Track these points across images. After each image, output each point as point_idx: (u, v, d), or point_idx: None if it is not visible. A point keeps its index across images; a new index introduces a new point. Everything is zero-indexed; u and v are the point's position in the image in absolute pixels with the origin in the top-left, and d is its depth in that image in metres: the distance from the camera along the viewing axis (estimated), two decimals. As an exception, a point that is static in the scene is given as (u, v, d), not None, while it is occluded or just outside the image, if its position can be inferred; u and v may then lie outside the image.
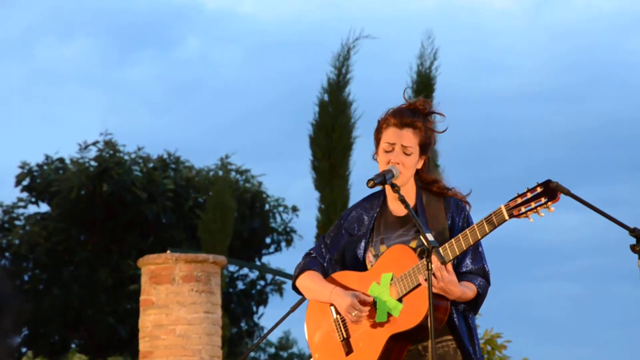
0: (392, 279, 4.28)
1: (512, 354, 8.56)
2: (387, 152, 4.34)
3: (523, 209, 4.03)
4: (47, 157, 21.87)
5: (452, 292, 4.15)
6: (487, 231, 4.09)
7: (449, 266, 4.14)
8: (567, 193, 4.06)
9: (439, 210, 4.36)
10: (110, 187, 20.56)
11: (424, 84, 15.47)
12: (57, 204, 21.10)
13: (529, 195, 4.03)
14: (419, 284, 4.16)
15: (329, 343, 4.46)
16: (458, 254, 4.15)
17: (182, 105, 35.63)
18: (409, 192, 4.40)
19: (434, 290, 4.11)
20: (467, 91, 31.62)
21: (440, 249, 4.11)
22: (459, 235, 4.15)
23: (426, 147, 4.39)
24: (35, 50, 37.20)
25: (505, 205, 4.06)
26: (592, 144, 33.01)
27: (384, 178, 4.26)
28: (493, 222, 4.07)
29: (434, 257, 4.06)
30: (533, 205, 4.02)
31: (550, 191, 4.01)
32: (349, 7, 33.30)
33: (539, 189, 4.02)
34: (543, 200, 4.00)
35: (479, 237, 4.11)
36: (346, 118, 15.56)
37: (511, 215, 4.05)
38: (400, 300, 4.26)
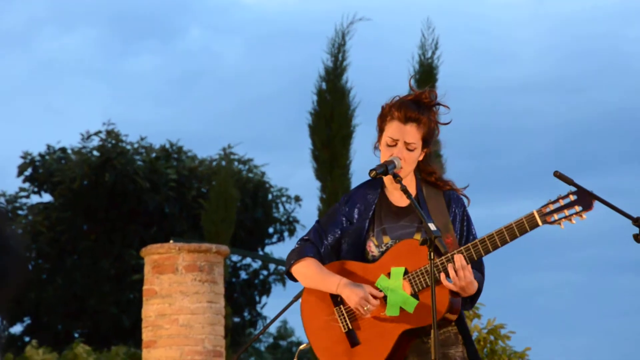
0: (405, 274, 4.24)
1: (514, 343, 8.57)
2: (389, 146, 4.31)
3: (556, 216, 4.01)
4: (49, 147, 21.87)
5: (470, 291, 4.15)
6: (518, 235, 4.07)
7: (469, 266, 4.12)
8: (571, 182, 4.06)
9: (441, 204, 4.34)
10: (113, 177, 20.57)
11: (426, 73, 15.43)
12: (60, 194, 21.11)
13: (562, 202, 4.00)
14: (439, 282, 4.13)
15: (330, 333, 4.38)
16: (484, 255, 4.13)
17: (184, 95, 35.62)
18: (409, 184, 4.38)
19: (454, 289, 4.10)
20: (470, 80, 31.58)
21: (463, 249, 4.10)
22: (485, 237, 4.11)
23: (429, 140, 4.35)
24: (37, 41, 37.19)
25: (538, 211, 4.03)
26: (595, 133, 32.98)
27: (386, 169, 4.24)
28: (524, 227, 4.04)
29: (456, 257, 4.05)
30: (567, 213, 3.99)
31: (584, 199, 3.98)
32: (351, -3, 33.24)
33: (571, 197, 4.00)
34: (577, 209, 3.98)
35: (508, 241, 4.08)
36: (345, 106, 15.52)
37: (544, 222, 4.02)
38: (414, 295, 4.22)
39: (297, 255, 4.41)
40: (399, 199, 4.35)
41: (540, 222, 4.01)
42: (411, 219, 4.31)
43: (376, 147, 4.40)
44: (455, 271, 4.06)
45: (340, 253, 4.40)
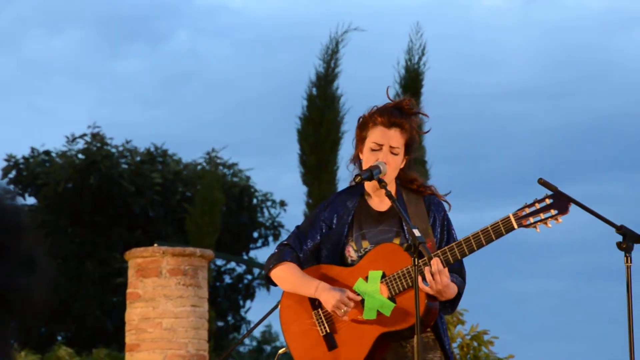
0: (382, 277, 4.26)
1: (498, 350, 8.58)
2: (374, 150, 4.33)
3: (532, 220, 4.03)
4: (33, 149, 21.81)
5: (448, 294, 4.16)
6: (494, 238, 4.09)
7: (446, 270, 4.13)
8: (555, 190, 4.07)
9: (420, 208, 4.36)
10: (98, 180, 20.52)
11: (412, 79, 15.45)
12: (44, 197, 21.06)
13: (538, 206, 4.02)
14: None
15: (308, 336, 4.41)
16: (460, 258, 4.15)
17: (171, 98, 35.60)
18: (390, 189, 4.40)
19: (430, 292, 4.12)
20: (456, 87, 31.64)
21: (440, 252, 4.12)
22: (462, 240, 4.14)
23: (411, 147, 4.39)
24: (23, 42, 37.10)
25: (513, 215, 4.06)
26: (581, 140, 33.10)
27: (371, 174, 4.26)
28: (500, 230, 4.07)
29: (433, 261, 4.07)
30: (542, 216, 4.02)
31: (560, 203, 4.00)
32: (338, 2, 33.26)
33: (547, 201, 4.02)
34: (553, 212, 4.01)
35: (484, 244, 4.10)
36: (334, 112, 15.54)
37: (520, 225, 4.04)
38: (391, 299, 4.24)
39: (276, 259, 4.44)
40: (378, 204, 4.38)
41: (515, 225, 4.04)
42: (390, 223, 4.33)
43: (352, 161, 4.41)
44: (432, 274, 4.08)
45: (320, 258, 4.42)
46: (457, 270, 4.30)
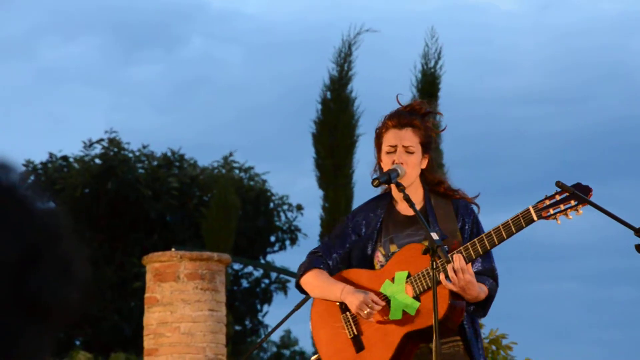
0: (408, 277, 4.28)
1: (516, 354, 8.57)
2: (389, 153, 4.35)
3: (552, 211, 4.01)
4: (51, 155, 21.90)
5: (470, 292, 4.15)
6: (514, 231, 4.08)
7: (470, 267, 4.13)
8: (572, 192, 4.08)
9: (449, 212, 4.36)
10: (115, 185, 20.58)
11: (428, 83, 15.46)
12: (62, 202, 21.13)
13: (558, 197, 4.01)
14: (439, 282, 4.15)
15: (337, 340, 4.45)
16: (482, 253, 4.15)
17: (186, 103, 35.66)
18: (416, 193, 4.40)
19: (454, 289, 4.11)
20: (471, 90, 31.61)
21: (462, 248, 4.12)
22: (483, 235, 4.14)
23: (427, 145, 4.40)
24: (39, 49, 37.24)
25: (533, 207, 4.05)
26: (595, 143, 33.02)
27: (388, 177, 4.27)
28: (520, 223, 4.06)
29: (455, 257, 4.07)
30: (562, 207, 4.00)
31: (580, 193, 3.99)
32: (353, 7, 33.29)
33: (568, 192, 4.01)
34: (573, 202, 3.99)
35: (505, 238, 4.09)
36: (349, 115, 15.54)
37: (539, 217, 4.03)
38: (416, 298, 4.25)
39: (305, 267, 4.50)
40: (406, 209, 4.38)
41: (535, 217, 4.03)
42: (417, 227, 4.34)
43: (375, 170, 4.44)
44: (455, 271, 4.08)
45: (351, 266, 4.46)
46: (488, 272, 4.29)
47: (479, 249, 4.13)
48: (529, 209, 4.05)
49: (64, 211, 1.19)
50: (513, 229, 4.06)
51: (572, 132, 32.75)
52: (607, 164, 31.88)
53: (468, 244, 4.14)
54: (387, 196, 4.49)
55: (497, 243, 4.11)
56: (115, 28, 36.26)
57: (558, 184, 4.11)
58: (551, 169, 29.44)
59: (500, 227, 4.09)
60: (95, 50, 35.74)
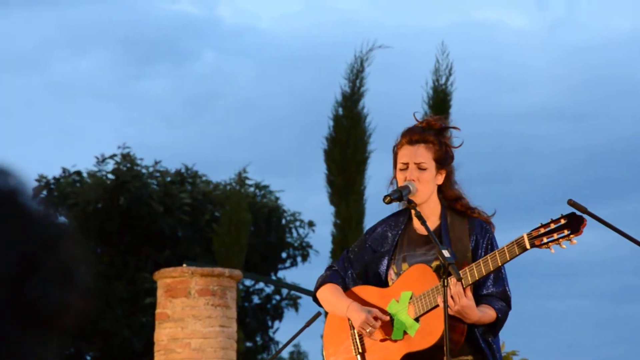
0: (411, 298, 4.30)
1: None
2: (402, 170, 4.37)
3: (545, 239, 4.03)
4: (64, 170, 21.96)
5: (469, 316, 4.15)
6: (508, 258, 4.10)
7: (468, 291, 4.14)
8: (584, 211, 4.08)
9: (463, 231, 4.35)
10: (127, 201, 20.62)
11: (440, 99, 15.46)
12: (74, 217, 21.17)
13: (553, 226, 4.03)
14: (437, 305, 4.17)
15: (344, 356, 4.48)
16: (477, 278, 4.15)
17: (196, 118, 35.74)
18: (434, 210, 4.40)
19: (450, 312, 4.12)
20: (481, 107, 31.61)
21: (460, 271, 4.13)
22: (480, 260, 4.15)
23: (442, 161, 4.39)
24: (50, 63, 37.36)
25: (527, 235, 4.06)
26: (605, 161, 32.95)
27: (400, 194, 4.28)
28: (514, 250, 4.08)
29: (452, 281, 4.08)
30: (556, 236, 4.01)
31: (574, 223, 4.01)
32: (364, 22, 33.35)
33: (562, 221, 4.02)
34: (566, 232, 4.00)
35: (499, 264, 4.11)
36: (361, 132, 15.55)
37: (533, 245, 4.04)
38: (417, 319, 4.27)
39: (320, 282, 4.56)
40: (422, 227, 4.36)
41: (528, 246, 4.04)
42: (432, 247, 4.33)
43: (391, 184, 4.46)
44: (451, 295, 4.10)
45: (368, 281, 4.48)
46: (500, 295, 4.29)
47: (475, 273, 4.14)
48: (523, 237, 4.07)
49: (58, 213, 1.19)
50: (507, 255, 4.09)
51: (585, 149, 32.72)
52: (620, 182, 31.81)
53: (466, 268, 4.15)
54: (406, 212, 4.50)
55: (492, 268, 4.12)
56: (126, 42, 36.39)
57: (570, 202, 4.12)
58: (561, 186, 29.41)
59: (496, 253, 4.12)
60: (106, 65, 35.86)
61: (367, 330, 4.30)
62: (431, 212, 4.36)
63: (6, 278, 1.06)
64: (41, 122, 35.75)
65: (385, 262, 4.43)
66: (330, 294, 4.47)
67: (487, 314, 4.21)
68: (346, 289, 4.48)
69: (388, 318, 4.32)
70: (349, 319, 4.43)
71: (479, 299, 4.23)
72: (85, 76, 35.02)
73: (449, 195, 4.42)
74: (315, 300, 4.59)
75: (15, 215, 1.12)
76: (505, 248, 4.09)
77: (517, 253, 4.07)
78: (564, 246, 4.03)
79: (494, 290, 4.26)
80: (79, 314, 1.12)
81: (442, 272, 4.03)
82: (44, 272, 1.09)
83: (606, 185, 31.47)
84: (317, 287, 4.54)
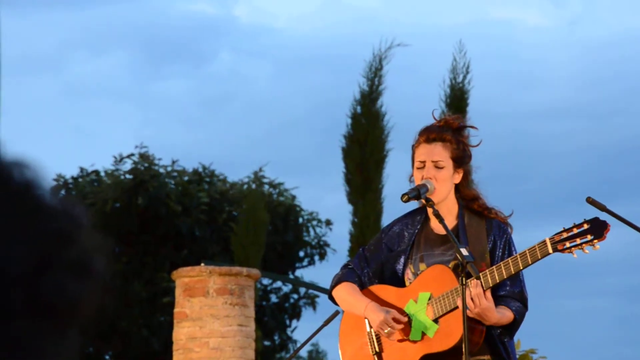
0: (429, 299, 4.28)
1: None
2: (419, 169, 4.35)
3: (568, 244, 4.01)
4: (82, 169, 22.01)
5: (489, 318, 4.14)
6: (530, 262, 4.08)
7: (488, 293, 4.13)
8: (603, 209, 4.07)
9: (481, 232, 4.34)
10: (145, 200, 20.66)
11: (457, 97, 15.43)
12: (92, 216, 21.19)
13: (575, 230, 4.00)
14: (456, 307, 4.15)
15: (361, 356, 4.47)
16: (498, 281, 4.14)
17: (213, 119, 35.79)
18: (451, 209, 4.39)
19: (470, 314, 4.10)
20: (499, 105, 31.54)
21: (481, 274, 4.12)
22: (501, 263, 4.13)
23: (460, 160, 4.37)
24: (68, 64, 37.48)
25: (550, 239, 4.04)
26: (624, 158, 32.81)
27: (418, 192, 4.26)
28: (536, 254, 4.06)
29: (472, 283, 4.07)
30: (579, 241, 3.99)
31: (597, 228, 3.98)
32: (381, 21, 33.33)
33: (585, 225, 4.00)
34: (589, 237, 3.98)
35: (521, 267, 4.09)
36: (379, 130, 15.53)
37: (555, 250, 4.03)
38: (436, 320, 4.26)
39: (336, 280, 4.54)
40: (439, 227, 4.35)
41: (551, 250, 4.02)
42: (449, 246, 4.32)
43: (411, 180, 4.45)
44: (471, 297, 4.08)
45: (383, 280, 4.47)
46: (517, 296, 4.28)
47: (496, 277, 4.13)
48: (545, 241, 4.05)
49: (76, 204, 1.18)
50: (529, 259, 4.07)
51: (604, 147, 32.61)
52: (637, 179, 31.69)
53: (487, 271, 4.14)
54: (422, 211, 4.49)
55: (513, 272, 4.11)
56: (143, 43, 36.47)
57: (589, 200, 4.10)
58: (580, 184, 29.32)
59: (518, 256, 4.10)
60: (124, 65, 35.95)
61: (386, 331, 4.29)
62: (448, 211, 4.34)
63: (21, 274, 1.04)
64: (60, 122, 35.86)
65: (402, 260, 4.41)
66: (347, 293, 4.45)
67: (505, 315, 4.20)
68: (362, 287, 4.47)
69: (407, 319, 4.31)
70: (366, 319, 4.41)
71: (496, 300, 4.21)
72: (104, 77, 35.12)
73: (466, 195, 4.40)
74: (331, 298, 4.58)
75: (30, 208, 1.09)
76: (527, 252, 4.07)
77: (539, 257, 4.05)
78: (587, 251, 4.00)
79: (511, 291, 4.25)
80: (96, 306, 1.12)
81: (460, 270, 4.01)
82: (60, 266, 1.08)
83: (624, 183, 31.35)
84: (333, 286, 4.53)
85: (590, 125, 33.78)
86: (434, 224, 4.40)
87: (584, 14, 37.74)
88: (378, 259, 4.48)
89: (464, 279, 4.02)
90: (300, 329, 22.29)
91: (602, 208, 4.07)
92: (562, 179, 31.83)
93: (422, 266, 4.37)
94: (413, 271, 4.38)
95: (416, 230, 4.44)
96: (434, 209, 4.21)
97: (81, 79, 35.85)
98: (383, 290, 4.43)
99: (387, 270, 4.45)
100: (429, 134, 4.35)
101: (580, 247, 3.99)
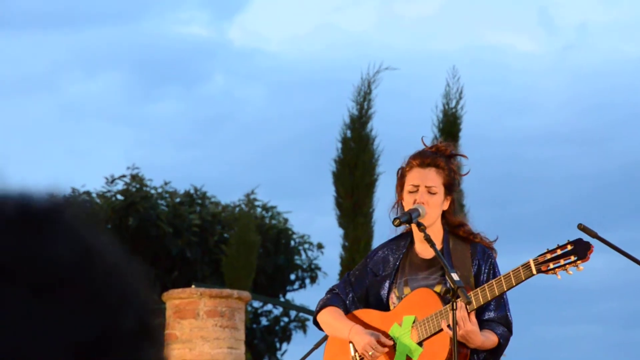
0: (414, 322, 4.29)
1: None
2: (411, 192, 4.36)
3: (552, 265, 4.03)
4: (73, 190, 22.00)
5: (473, 341, 4.16)
6: (514, 283, 4.10)
7: (472, 316, 4.15)
8: (594, 235, 4.08)
9: (465, 256, 4.36)
10: (136, 221, 20.64)
11: (450, 122, 15.47)
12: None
13: (559, 252, 4.02)
14: (441, 329, 4.17)
15: None
16: (482, 303, 4.16)
17: (207, 140, 35.79)
18: (436, 235, 4.41)
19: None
20: (490, 131, 31.61)
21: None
22: (485, 285, 4.15)
23: (450, 187, 4.40)
24: (61, 85, 37.50)
25: (534, 260, 4.06)
26: (616, 186, 32.88)
27: (410, 217, 4.28)
28: (520, 276, 4.08)
29: (458, 306, 4.08)
30: (562, 262, 4.01)
31: (581, 249, 4.00)
32: (373, 45, 33.40)
33: (569, 247, 4.01)
34: (573, 258, 4.00)
35: (505, 289, 4.11)
36: (369, 154, 15.56)
37: (539, 271, 4.04)
38: (420, 343, 4.27)
39: (321, 304, 4.57)
40: (424, 251, 4.39)
41: (534, 271, 4.04)
42: (434, 271, 4.35)
43: (394, 207, 4.45)
44: (456, 320, 4.10)
45: (368, 304, 4.47)
46: (501, 320, 4.29)
47: (480, 299, 4.15)
48: (529, 263, 4.07)
49: (119, 243, 0.92)
50: (513, 281, 4.09)
51: (596, 174, 32.67)
52: (629, 207, 31.75)
53: (471, 292, 4.15)
54: (407, 236, 4.50)
55: (497, 293, 4.13)
56: (137, 65, 36.53)
57: (580, 227, 4.12)
58: (571, 211, 29.34)
59: (502, 278, 4.12)
60: (117, 86, 35.98)
61: (370, 354, 4.29)
62: (434, 236, 4.36)
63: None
64: (51, 143, 35.84)
65: (386, 285, 4.43)
66: (332, 317, 4.47)
67: (489, 339, 4.22)
68: (347, 312, 4.48)
69: (392, 342, 4.31)
70: (350, 342, 4.41)
71: (481, 324, 4.23)
72: (96, 98, 35.11)
73: (452, 222, 4.43)
74: (316, 323, 4.59)
75: (93, 273, 0.85)
76: (512, 273, 4.09)
77: (523, 278, 4.06)
78: (571, 272, 4.02)
79: (495, 316, 4.27)
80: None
81: (451, 295, 4.02)
82: (121, 340, 0.88)
83: (616, 210, 31.41)
84: (318, 310, 4.55)
85: (583, 152, 33.88)
86: (419, 248, 4.43)
87: (576, 41, 37.92)
88: (363, 284, 4.49)
89: (455, 303, 4.03)
90: (291, 353, 22.25)
91: (593, 235, 4.09)
92: (554, 204, 31.88)
93: (407, 290, 4.38)
94: (397, 295, 4.40)
95: (401, 255, 4.45)
96: (426, 233, 4.22)
97: (74, 99, 35.86)
98: (367, 315, 4.44)
99: (371, 295, 4.47)
100: (424, 159, 4.37)
101: (563, 268, 4.01)
